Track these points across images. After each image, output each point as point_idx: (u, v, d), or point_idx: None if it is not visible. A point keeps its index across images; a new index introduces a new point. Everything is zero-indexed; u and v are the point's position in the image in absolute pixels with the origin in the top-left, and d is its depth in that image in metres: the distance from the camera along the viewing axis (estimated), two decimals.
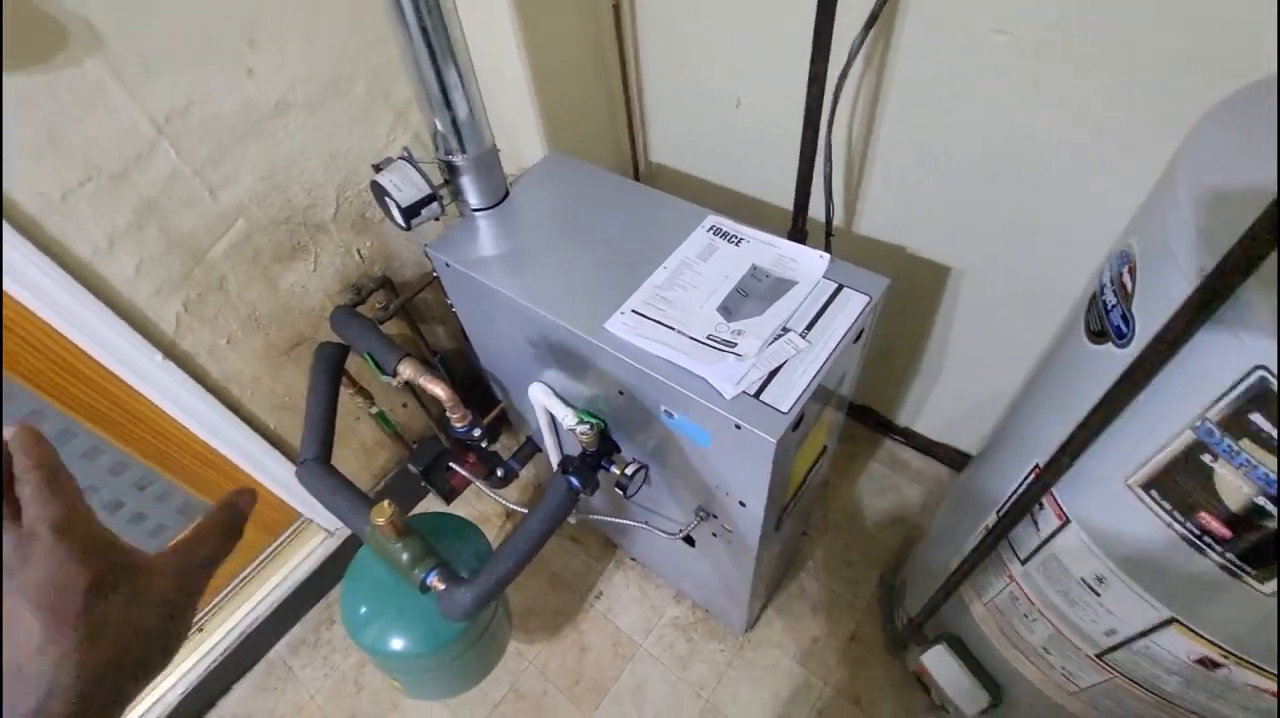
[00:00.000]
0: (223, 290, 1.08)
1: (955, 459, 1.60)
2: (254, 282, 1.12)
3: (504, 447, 1.43)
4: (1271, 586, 0.54)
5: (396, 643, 1.04)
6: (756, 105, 1.22)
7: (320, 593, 1.58)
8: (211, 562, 0.36)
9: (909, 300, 1.32)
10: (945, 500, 1.25)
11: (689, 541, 1.17)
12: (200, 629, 1.44)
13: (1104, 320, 0.63)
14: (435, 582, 0.95)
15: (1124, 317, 0.59)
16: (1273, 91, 0.61)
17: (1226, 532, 0.54)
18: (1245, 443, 0.49)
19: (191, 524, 0.36)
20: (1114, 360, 0.59)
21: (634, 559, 1.60)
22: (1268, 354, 0.46)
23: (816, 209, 1.16)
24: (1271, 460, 0.48)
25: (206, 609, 1.44)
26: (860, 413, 1.70)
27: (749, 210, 1.38)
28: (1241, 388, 0.48)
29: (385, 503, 0.91)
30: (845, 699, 1.36)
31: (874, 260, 0.88)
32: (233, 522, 0.38)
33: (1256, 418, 0.48)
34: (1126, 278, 0.60)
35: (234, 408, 1.19)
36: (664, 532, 1.12)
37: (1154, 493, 0.59)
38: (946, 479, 1.63)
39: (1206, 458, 0.52)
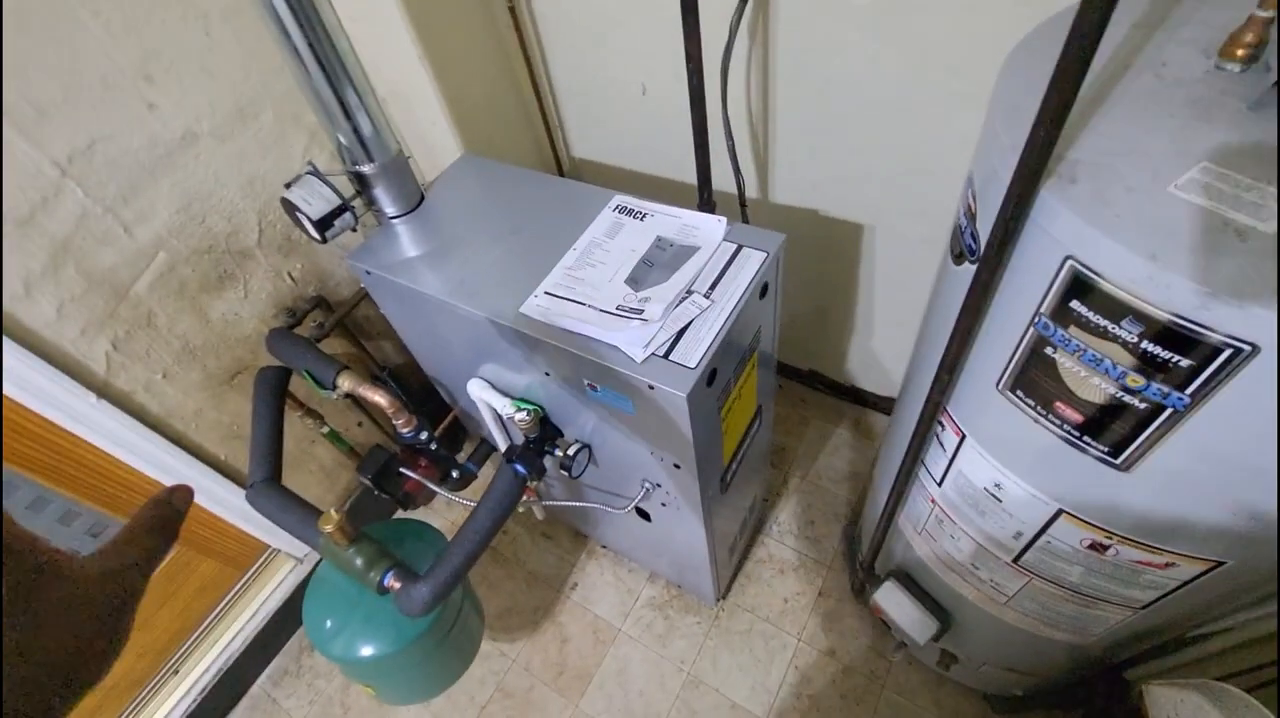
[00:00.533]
0: (151, 326, 1.09)
1: None
2: (183, 314, 1.13)
3: (464, 453, 1.45)
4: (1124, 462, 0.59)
5: (366, 649, 1.06)
6: (660, 90, 1.27)
7: (296, 622, 1.59)
8: (146, 563, 0.33)
9: (831, 261, 1.38)
10: (881, 446, 1.31)
11: (643, 514, 1.21)
12: (176, 672, 1.43)
13: (960, 243, 0.68)
14: (392, 582, 0.97)
15: (972, 235, 0.64)
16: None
17: (1079, 417, 0.59)
18: (1074, 330, 0.54)
19: (124, 529, 0.34)
20: (969, 276, 0.64)
21: (605, 547, 1.63)
22: (1074, 244, 0.51)
23: (729, 183, 1.20)
24: (1099, 343, 0.53)
25: (180, 650, 1.43)
26: (807, 378, 1.75)
27: (670, 193, 1.43)
28: (1060, 279, 0.53)
29: (331, 511, 0.93)
30: (819, 651, 1.41)
31: (791, 226, 0.93)
32: (167, 519, 0.35)
33: (1076, 305, 0.53)
34: (971, 201, 0.65)
35: (179, 442, 1.19)
36: (616, 509, 1.15)
37: (1019, 393, 0.64)
38: None
39: (1049, 351, 0.57)
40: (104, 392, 1.06)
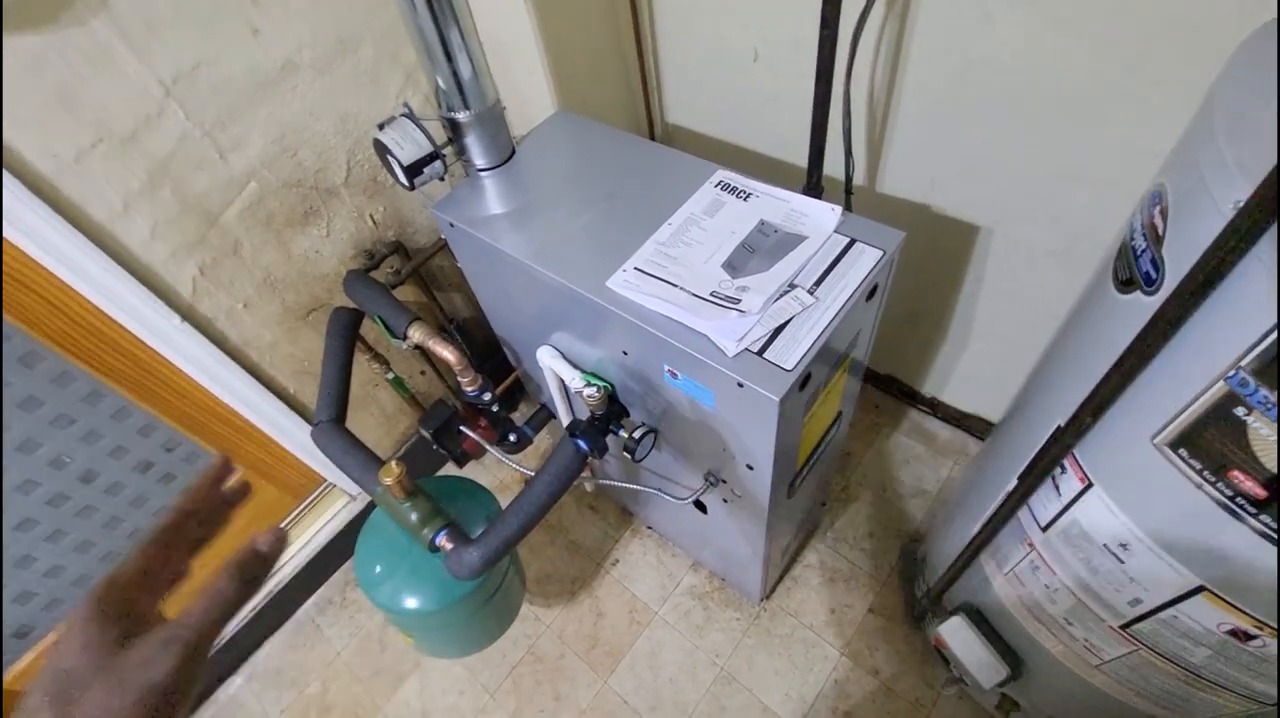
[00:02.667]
0: (237, 255, 1.09)
1: (982, 430, 1.54)
2: (268, 246, 1.13)
3: (521, 416, 1.43)
4: None
5: (410, 601, 1.06)
6: (775, 58, 1.17)
7: (345, 555, 1.63)
8: (227, 617, 0.34)
9: (934, 263, 1.26)
10: (968, 469, 1.21)
11: (700, 507, 1.16)
12: None
13: (1132, 268, 0.58)
14: (444, 541, 0.96)
15: (1154, 261, 0.55)
16: None
17: (1261, 493, 0.50)
18: None
19: (211, 578, 0.35)
20: (1141, 309, 0.55)
21: (650, 528, 1.60)
22: None
23: (836, 168, 1.11)
24: None
25: None
26: (885, 382, 1.65)
27: (766, 171, 1.34)
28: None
29: (393, 463, 0.92)
30: (863, 670, 1.34)
31: (897, 221, 0.83)
32: (254, 572, 0.36)
33: None
34: (1158, 219, 0.55)
35: (253, 372, 1.21)
36: (674, 497, 1.11)
37: (1182, 452, 0.54)
38: (973, 451, 1.57)
39: (1240, 411, 0.48)
40: (188, 315, 1.07)
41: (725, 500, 1.06)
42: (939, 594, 1.10)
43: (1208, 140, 0.50)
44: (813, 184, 1.05)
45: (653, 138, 1.48)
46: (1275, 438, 0.47)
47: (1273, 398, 0.45)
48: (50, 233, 0.89)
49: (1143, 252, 0.57)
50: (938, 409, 1.60)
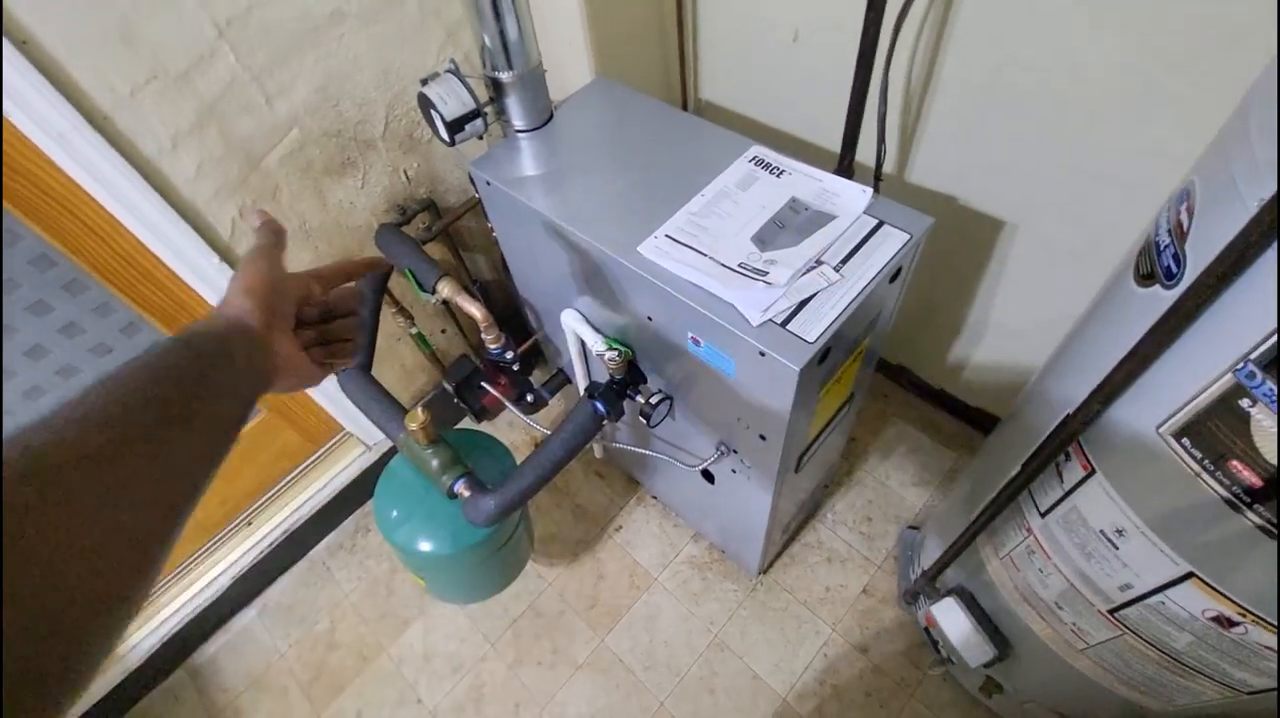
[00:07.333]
0: (275, 199, 1.12)
1: (988, 424, 1.56)
2: (305, 193, 1.15)
3: (537, 379, 1.46)
4: None
5: (424, 544, 1.10)
6: (815, 39, 1.17)
7: (357, 503, 1.68)
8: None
9: (955, 256, 1.28)
10: (972, 460, 1.24)
11: (708, 476, 1.19)
12: (249, 524, 1.55)
13: (1154, 263, 0.60)
14: (462, 489, 1.00)
15: (1175, 257, 0.56)
16: None
17: (1259, 483, 0.52)
18: None
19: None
20: (1158, 302, 0.57)
21: (655, 498, 1.64)
22: None
23: (865, 155, 1.12)
24: None
25: (254, 506, 1.54)
26: (894, 371, 1.67)
27: (796, 152, 1.34)
28: None
29: (419, 409, 0.96)
30: (852, 646, 1.39)
31: (921, 209, 0.85)
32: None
33: None
34: (1184, 216, 0.57)
35: None
36: (684, 464, 1.14)
37: (1186, 441, 0.57)
38: (978, 444, 1.60)
39: (1244, 403, 0.50)
40: (226, 255, 1.10)
41: (734, 471, 1.09)
42: (934, 577, 1.13)
43: (1241, 139, 0.52)
44: (844, 166, 1.06)
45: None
46: (1276, 430, 0.49)
47: (1276, 391, 0.48)
48: (102, 163, 0.91)
49: (1166, 247, 0.58)
50: (945, 401, 1.62)
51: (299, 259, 1.22)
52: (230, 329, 0.38)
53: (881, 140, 1.10)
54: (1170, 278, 0.57)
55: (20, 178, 0.91)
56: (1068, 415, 0.70)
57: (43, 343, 1.06)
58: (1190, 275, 0.54)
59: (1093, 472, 0.69)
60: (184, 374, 0.33)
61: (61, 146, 0.88)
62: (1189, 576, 0.63)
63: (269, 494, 1.56)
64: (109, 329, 1.12)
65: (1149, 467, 0.62)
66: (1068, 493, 0.74)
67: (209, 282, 1.12)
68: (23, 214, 0.95)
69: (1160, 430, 0.59)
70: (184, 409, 0.32)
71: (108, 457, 0.28)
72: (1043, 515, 0.80)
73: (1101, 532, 0.71)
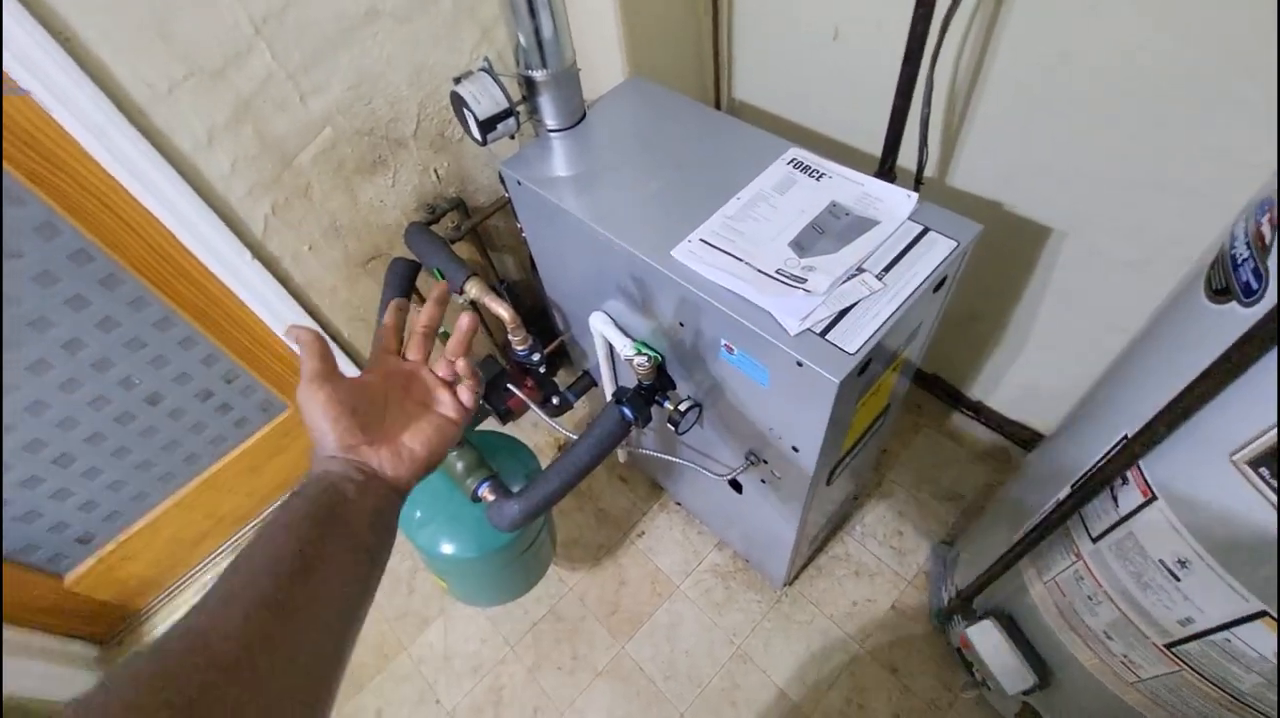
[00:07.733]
0: (307, 197, 1.12)
1: (1027, 439, 1.51)
2: (336, 191, 1.15)
3: (562, 381, 1.45)
4: None
5: (447, 547, 1.10)
6: (856, 37, 1.14)
7: None
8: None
9: (999, 264, 1.23)
10: (1014, 476, 1.19)
11: (736, 486, 1.17)
12: None
13: (1230, 277, 0.56)
14: (486, 493, 0.98)
15: (1256, 271, 0.52)
16: None
17: None
18: None
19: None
20: (1236, 321, 0.53)
21: (679, 504, 1.62)
22: None
23: (906, 158, 1.08)
24: None
25: (280, 499, 1.55)
26: (930, 382, 1.62)
27: (833, 155, 1.31)
28: None
29: None
30: (880, 665, 1.35)
31: (965, 215, 0.81)
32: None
33: None
34: (1266, 228, 0.53)
35: (313, 314, 1.25)
36: (711, 473, 1.11)
37: (1264, 471, 0.53)
38: (1015, 459, 1.54)
39: None
40: (258, 252, 1.11)
41: (763, 481, 1.06)
42: (969, 597, 1.09)
43: None
44: (886, 169, 1.03)
45: None
46: None
47: None
48: (139, 158, 0.92)
49: (1244, 260, 0.54)
50: (982, 414, 1.56)
51: (331, 256, 1.22)
52: (324, 477, 0.40)
53: (924, 143, 1.06)
54: (1249, 294, 0.53)
55: (62, 173, 0.93)
56: (1126, 437, 0.66)
57: (80, 337, 1.08)
58: (1274, 292, 0.50)
59: (1153, 498, 0.65)
60: (310, 520, 0.38)
61: (100, 141, 0.88)
62: (1260, 614, 0.58)
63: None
64: (142, 324, 1.13)
65: (1219, 496, 0.57)
66: (1123, 518, 0.70)
67: (240, 278, 1.12)
68: (65, 210, 0.96)
69: (1234, 458, 0.54)
70: (319, 549, 0.37)
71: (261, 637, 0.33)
72: (1094, 541, 0.76)
73: (1161, 562, 0.66)
